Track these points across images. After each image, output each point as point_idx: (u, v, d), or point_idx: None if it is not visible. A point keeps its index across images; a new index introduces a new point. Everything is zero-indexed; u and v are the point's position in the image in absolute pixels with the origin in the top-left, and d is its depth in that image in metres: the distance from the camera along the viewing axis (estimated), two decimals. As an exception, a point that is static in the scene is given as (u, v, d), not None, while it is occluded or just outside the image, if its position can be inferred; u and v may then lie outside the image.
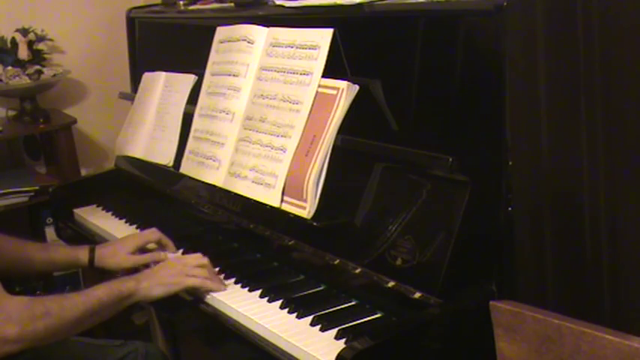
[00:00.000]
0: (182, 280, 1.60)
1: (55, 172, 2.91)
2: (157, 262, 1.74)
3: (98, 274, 1.88)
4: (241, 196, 1.74)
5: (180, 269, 1.61)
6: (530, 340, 1.08)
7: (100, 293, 1.54)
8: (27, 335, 1.41)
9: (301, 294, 1.55)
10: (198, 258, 1.65)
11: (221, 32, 1.96)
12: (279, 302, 1.51)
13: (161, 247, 1.85)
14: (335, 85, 1.56)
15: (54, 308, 1.46)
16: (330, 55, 1.59)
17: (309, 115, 1.60)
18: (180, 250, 1.85)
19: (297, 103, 1.64)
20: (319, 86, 1.60)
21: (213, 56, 1.97)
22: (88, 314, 1.51)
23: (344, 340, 1.34)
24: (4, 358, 1.41)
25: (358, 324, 1.39)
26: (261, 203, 1.67)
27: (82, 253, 1.83)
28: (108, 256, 1.81)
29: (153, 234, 1.85)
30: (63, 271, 1.93)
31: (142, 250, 1.85)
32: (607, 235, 1.41)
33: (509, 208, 1.27)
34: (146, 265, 1.78)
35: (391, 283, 1.39)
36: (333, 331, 1.37)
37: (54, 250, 1.90)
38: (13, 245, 1.82)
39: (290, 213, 1.60)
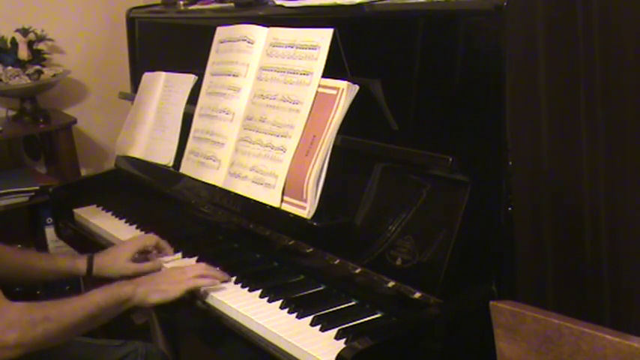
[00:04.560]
0: (179, 288, 1.60)
1: (55, 172, 2.91)
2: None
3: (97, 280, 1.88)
4: (241, 196, 1.74)
5: (179, 276, 1.62)
6: (530, 340, 1.08)
7: (98, 298, 1.55)
8: (26, 340, 1.42)
9: (301, 294, 1.55)
10: (197, 268, 1.66)
11: (221, 32, 1.96)
12: (279, 302, 1.51)
13: (159, 251, 1.85)
14: (335, 85, 1.56)
15: (53, 313, 1.47)
16: (330, 55, 1.59)
17: (309, 115, 1.60)
18: (179, 253, 1.85)
19: (297, 103, 1.64)
20: (319, 86, 1.60)
21: (213, 56, 1.97)
22: (87, 319, 1.52)
23: (344, 340, 1.34)
24: (2, 359, 1.42)
25: (358, 324, 1.39)
26: (261, 203, 1.67)
27: (80, 263, 1.83)
28: (106, 265, 1.82)
29: (150, 239, 1.85)
30: (63, 278, 1.95)
31: (140, 255, 1.85)
32: (607, 235, 1.41)
33: (509, 208, 1.27)
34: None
35: (391, 283, 1.39)
36: (333, 331, 1.37)
37: (55, 259, 1.91)
38: (16, 255, 1.84)
39: (290, 213, 1.60)
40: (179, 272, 1.65)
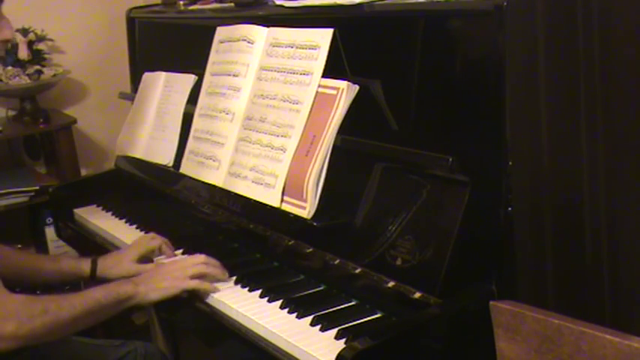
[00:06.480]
0: (179, 284, 1.60)
1: (55, 172, 2.91)
2: None
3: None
4: (241, 196, 1.74)
5: (179, 273, 1.62)
6: (530, 340, 1.08)
7: (99, 295, 1.55)
8: (24, 333, 1.42)
9: (301, 294, 1.54)
10: (196, 259, 1.65)
11: (221, 32, 1.96)
12: (279, 302, 1.51)
13: (161, 253, 1.85)
14: (335, 85, 1.56)
15: (52, 307, 1.46)
16: (330, 55, 1.59)
17: (309, 115, 1.60)
18: (180, 251, 1.85)
19: (297, 103, 1.64)
20: (319, 86, 1.60)
21: (213, 56, 1.97)
22: (86, 315, 1.52)
23: (344, 340, 1.34)
24: (2, 357, 1.42)
25: (358, 324, 1.39)
26: (261, 203, 1.67)
27: (85, 264, 1.83)
28: (110, 267, 1.81)
29: (154, 241, 1.83)
30: (67, 280, 1.97)
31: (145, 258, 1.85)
32: (607, 235, 1.41)
33: (509, 208, 1.27)
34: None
35: (391, 283, 1.39)
36: (333, 331, 1.37)
37: (59, 261, 1.91)
38: (20, 257, 1.85)
39: (290, 213, 1.60)
40: (179, 267, 1.64)
